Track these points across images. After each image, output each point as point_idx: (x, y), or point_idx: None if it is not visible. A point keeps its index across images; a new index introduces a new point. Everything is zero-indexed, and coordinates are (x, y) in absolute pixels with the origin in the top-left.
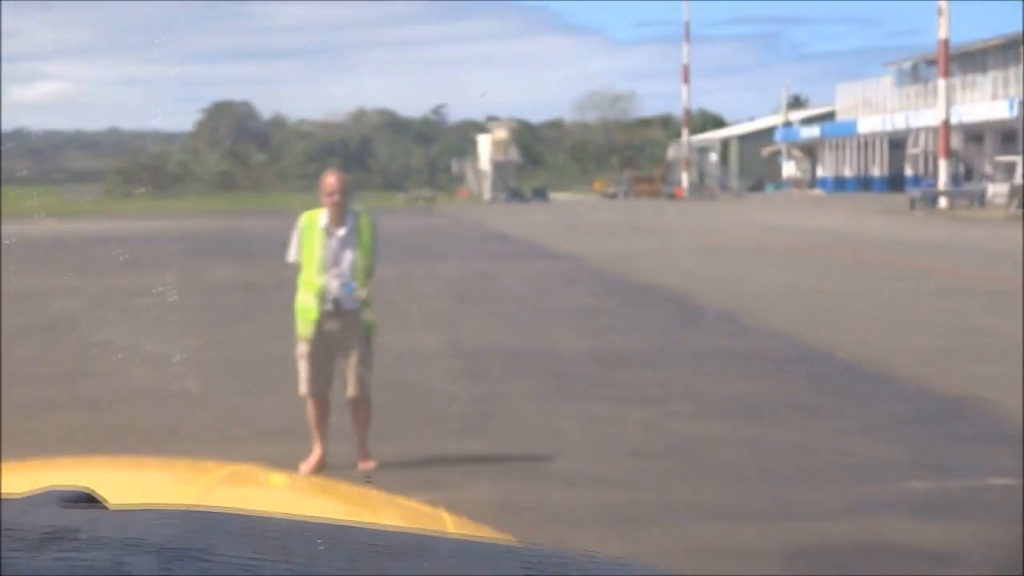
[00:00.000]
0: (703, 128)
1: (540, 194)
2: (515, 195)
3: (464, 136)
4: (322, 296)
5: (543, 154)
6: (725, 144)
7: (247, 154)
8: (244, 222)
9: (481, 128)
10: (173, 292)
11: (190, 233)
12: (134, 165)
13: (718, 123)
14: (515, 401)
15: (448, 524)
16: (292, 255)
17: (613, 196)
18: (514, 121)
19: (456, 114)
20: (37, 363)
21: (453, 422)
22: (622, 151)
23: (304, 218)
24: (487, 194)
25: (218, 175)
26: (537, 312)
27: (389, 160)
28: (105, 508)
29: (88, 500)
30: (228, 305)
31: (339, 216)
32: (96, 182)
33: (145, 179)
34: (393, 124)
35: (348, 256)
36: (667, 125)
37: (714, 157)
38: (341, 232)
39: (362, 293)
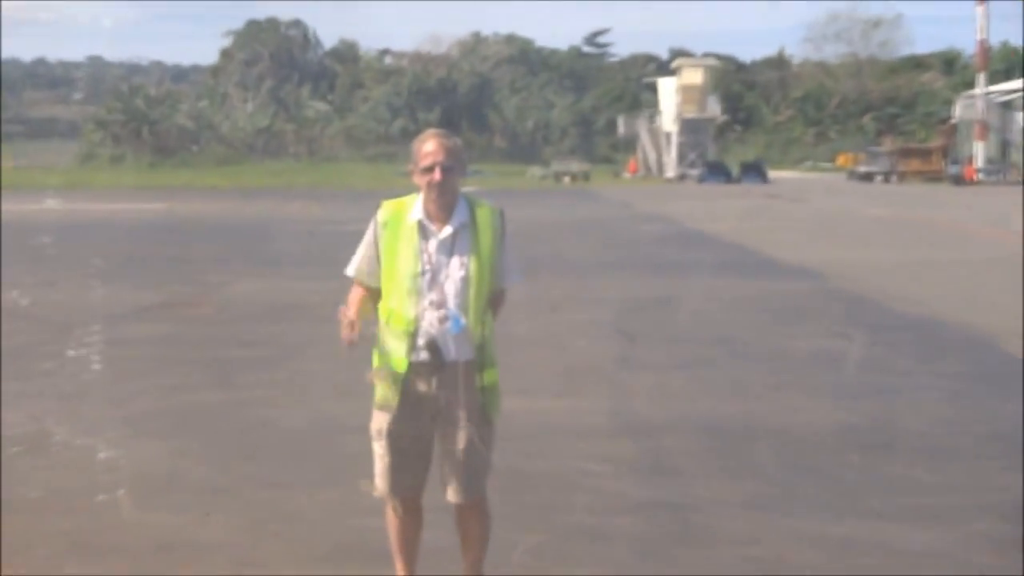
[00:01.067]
0: (1008, 74)
1: (754, 171)
2: (714, 171)
3: (636, 80)
4: (413, 338)
5: (757, 109)
6: None
7: (299, 103)
8: (291, 208)
9: (663, 67)
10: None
11: (202, 225)
12: (124, 116)
13: None
14: (726, 516)
15: None
16: (360, 267)
17: (867, 177)
18: (713, 57)
19: (623, 46)
20: None
21: (620, 546)
22: (880, 108)
23: (385, 210)
24: (671, 169)
25: (254, 134)
26: (755, 361)
27: (519, 115)
28: None
29: None
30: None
31: (443, 206)
32: (68, 139)
33: (141, 137)
34: (526, 59)
35: (456, 272)
36: (951, 67)
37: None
38: (446, 232)
39: (478, 334)
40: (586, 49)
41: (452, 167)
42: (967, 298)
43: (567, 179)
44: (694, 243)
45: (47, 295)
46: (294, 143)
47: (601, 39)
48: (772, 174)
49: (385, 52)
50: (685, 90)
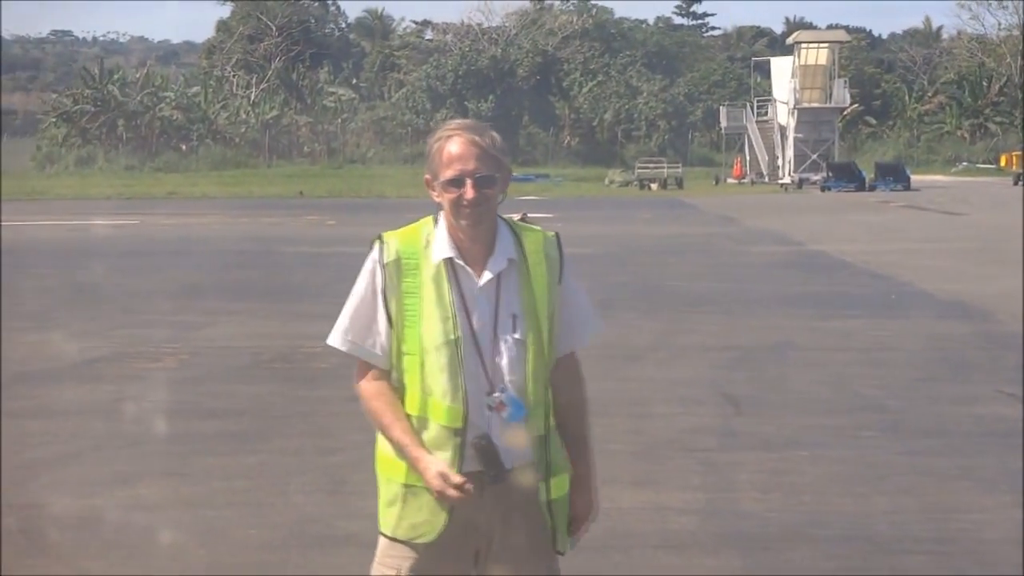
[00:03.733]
0: None
1: (893, 174)
2: (842, 175)
3: (743, 60)
4: (458, 436)
5: (897, 96)
6: None
7: (315, 90)
8: (302, 224)
9: (778, 44)
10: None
11: (184, 247)
12: (95, 106)
13: None
14: None
15: None
16: (355, 337)
17: None
18: (841, 31)
19: (726, 16)
20: None
21: None
22: None
23: (390, 246)
24: (787, 173)
25: (259, 130)
26: (909, 437)
27: (593, 105)
28: None
29: None
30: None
31: (479, 236)
32: (23, 136)
33: (116, 134)
34: (603, 33)
35: (507, 332)
36: None
37: None
38: (487, 276)
39: (541, 423)
40: (679, 21)
41: (490, 178)
42: None
43: (654, 186)
44: (819, 271)
45: None
46: (309, 140)
47: (698, 8)
48: (916, 178)
49: (425, 25)
50: (805, 72)
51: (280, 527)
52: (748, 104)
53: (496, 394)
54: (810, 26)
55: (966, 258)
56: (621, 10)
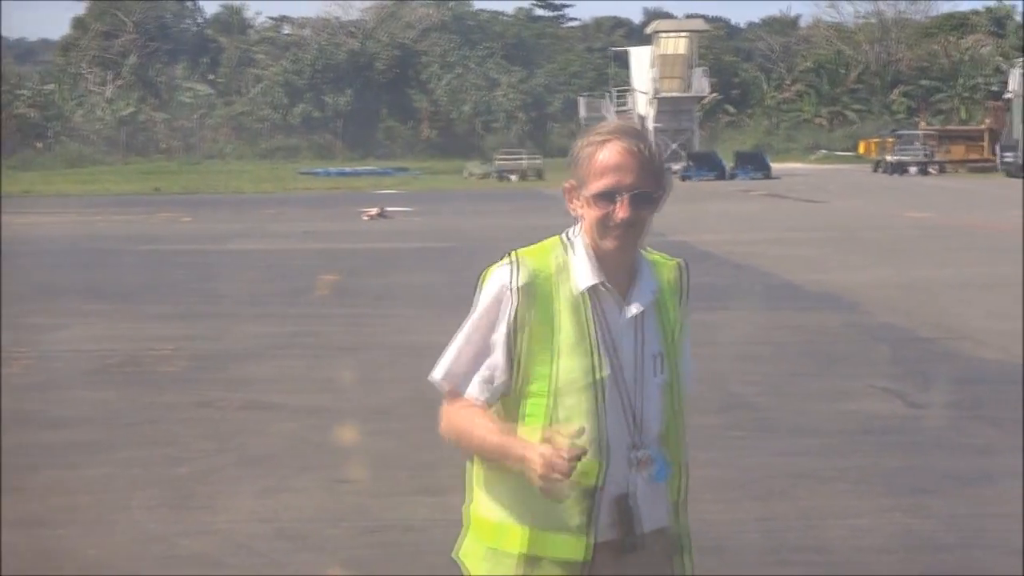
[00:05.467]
0: None
1: (753, 163)
2: (702, 164)
3: (601, 50)
4: (594, 497)
5: (756, 85)
6: None
7: (172, 86)
8: (158, 221)
9: (636, 33)
10: None
11: (35, 245)
12: None
13: None
14: None
15: None
16: (469, 375)
17: (898, 168)
18: (700, 20)
19: (585, 8)
20: None
21: None
22: (912, 81)
23: (527, 266)
24: None
25: (115, 126)
26: (778, 436)
27: (452, 97)
28: None
29: None
30: None
31: (626, 262)
32: None
33: None
34: (461, 25)
35: (651, 376)
36: (1003, 27)
37: None
38: (634, 308)
39: (679, 484)
40: (538, 12)
41: (648, 197)
42: None
43: (514, 177)
44: (718, 272)
45: None
46: (166, 137)
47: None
48: (776, 166)
49: (282, 20)
50: (664, 61)
51: (121, 546)
52: (607, 94)
53: (643, 451)
54: (668, 16)
55: (829, 247)
56: (480, 2)
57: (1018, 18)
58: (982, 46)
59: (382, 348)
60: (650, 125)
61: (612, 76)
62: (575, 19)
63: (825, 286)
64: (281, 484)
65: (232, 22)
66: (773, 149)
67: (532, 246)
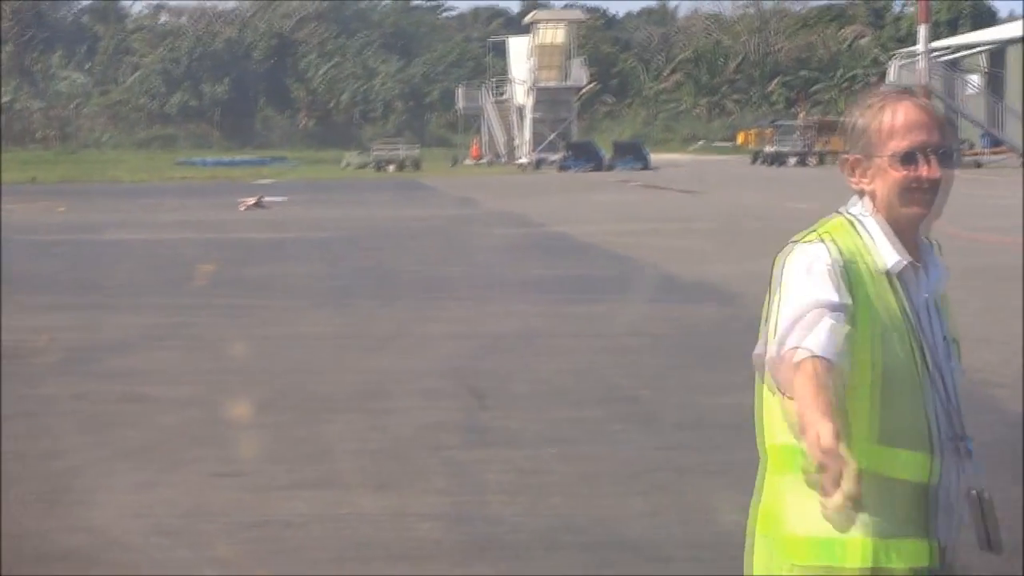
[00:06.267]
0: (955, 24)
1: (631, 153)
2: (580, 155)
3: (480, 40)
4: (927, 494)
5: (634, 75)
6: (1000, 55)
7: (47, 75)
8: (34, 210)
9: (514, 24)
10: None
11: None
12: None
13: (987, 15)
14: None
15: None
16: (833, 344)
17: (777, 159)
18: (577, 10)
19: None
20: None
21: None
22: (791, 72)
23: (838, 240)
24: (525, 153)
25: None
26: (660, 431)
27: (330, 87)
28: None
29: None
30: None
31: (919, 234)
32: None
33: None
34: (339, 16)
35: (950, 361)
36: (880, 18)
37: (976, 82)
38: (937, 287)
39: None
40: (416, 2)
41: (951, 154)
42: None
43: (392, 167)
44: (561, 253)
45: None
46: (43, 126)
47: None
48: (655, 157)
49: (159, 8)
50: (542, 52)
51: None
52: (485, 84)
53: (964, 439)
54: (546, 6)
55: (707, 238)
56: None
57: (896, 9)
58: (860, 37)
59: (260, 339)
60: (528, 115)
61: (490, 66)
62: (453, 8)
63: (704, 278)
64: (158, 478)
65: (108, 11)
66: (651, 139)
67: (819, 226)
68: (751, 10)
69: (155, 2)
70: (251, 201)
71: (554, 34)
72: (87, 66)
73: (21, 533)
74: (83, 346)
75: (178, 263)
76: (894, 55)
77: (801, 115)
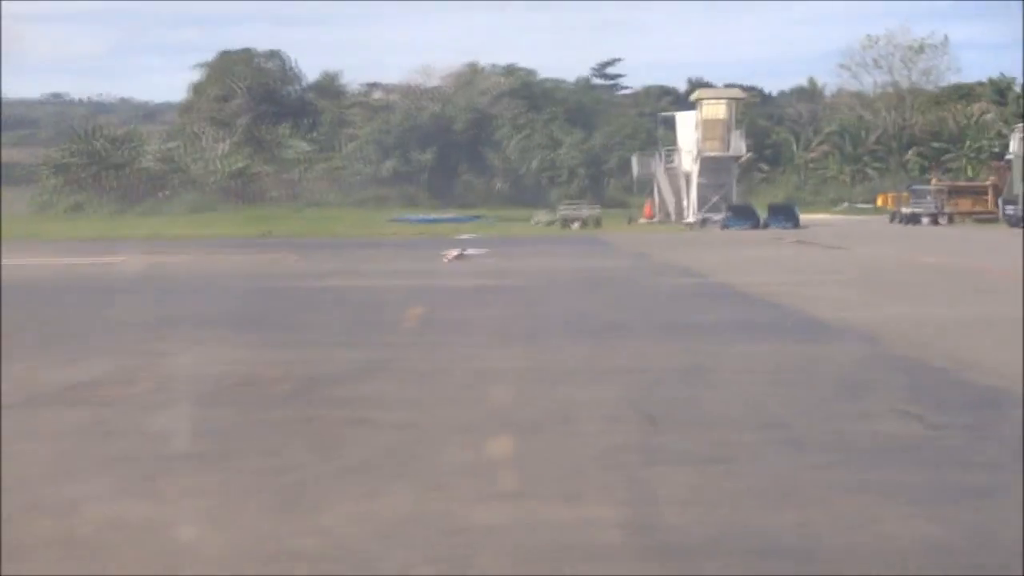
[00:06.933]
0: None
1: (784, 214)
2: (739, 215)
3: (651, 115)
4: None
5: (787, 145)
6: None
7: (278, 143)
8: (266, 259)
9: (681, 101)
10: None
11: (161, 281)
12: (84, 159)
13: None
14: None
15: None
16: None
17: (912, 219)
18: (737, 89)
19: (636, 77)
20: None
21: None
22: (924, 143)
23: None
24: (691, 213)
25: (228, 178)
26: (809, 452)
27: (521, 155)
28: None
29: None
30: None
31: None
32: (24, 184)
33: (103, 183)
34: (528, 92)
35: None
36: (1004, 96)
37: None
38: None
39: None
40: (595, 81)
41: None
42: None
43: (576, 225)
44: (722, 300)
45: None
46: (274, 187)
47: (611, 70)
48: (805, 217)
49: (373, 86)
50: (706, 125)
51: (236, 544)
52: (657, 153)
53: None
54: (709, 85)
55: (851, 287)
56: (544, 72)
57: (1017, 89)
58: (985, 113)
59: (462, 371)
60: (694, 180)
61: (660, 137)
62: (628, 87)
63: (848, 322)
64: (377, 489)
65: (329, 87)
66: (802, 202)
67: None
68: (890, 89)
69: (370, 82)
70: (454, 253)
71: (716, 110)
72: (311, 136)
73: (261, 536)
74: (311, 376)
75: (391, 306)
76: (1015, 128)
77: (934, 180)
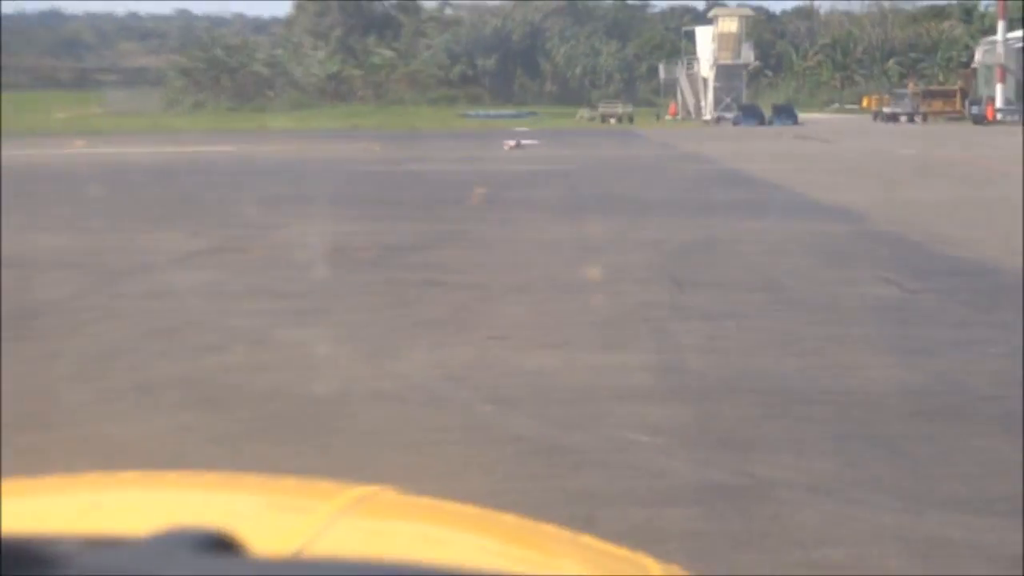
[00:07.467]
0: None
1: (785, 113)
2: (749, 114)
3: (675, 29)
4: None
5: (788, 56)
6: None
7: (366, 51)
8: (356, 148)
9: (700, 17)
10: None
11: (266, 166)
12: (205, 64)
13: None
14: (792, 505)
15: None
16: None
17: (892, 118)
18: (747, 7)
19: None
20: None
21: (674, 546)
22: (903, 54)
23: None
24: (708, 112)
25: (324, 80)
26: (806, 311)
27: (568, 62)
28: (247, 556)
29: (222, 544)
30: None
31: None
32: (155, 86)
33: (221, 84)
34: (573, 10)
35: None
36: (970, 16)
37: None
38: None
39: None
40: (629, 2)
41: None
42: (1014, 241)
43: (613, 120)
44: (734, 183)
45: (98, 241)
46: (362, 88)
47: None
48: (802, 116)
49: (445, 3)
50: (721, 38)
51: (337, 385)
52: (680, 61)
53: None
54: (724, 5)
55: (841, 174)
56: None
57: (982, 9)
58: (954, 29)
59: (519, 241)
60: (711, 85)
61: (683, 48)
62: (656, 6)
63: (838, 203)
64: (447, 340)
65: (409, 4)
66: (799, 103)
67: None
68: (875, 9)
69: (442, 1)
70: (512, 143)
71: (730, 25)
72: (393, 45)
73: (349, 377)
74: (391, 245)
75: (459, 187)
76: (980, 42)
77: (910, 85)
